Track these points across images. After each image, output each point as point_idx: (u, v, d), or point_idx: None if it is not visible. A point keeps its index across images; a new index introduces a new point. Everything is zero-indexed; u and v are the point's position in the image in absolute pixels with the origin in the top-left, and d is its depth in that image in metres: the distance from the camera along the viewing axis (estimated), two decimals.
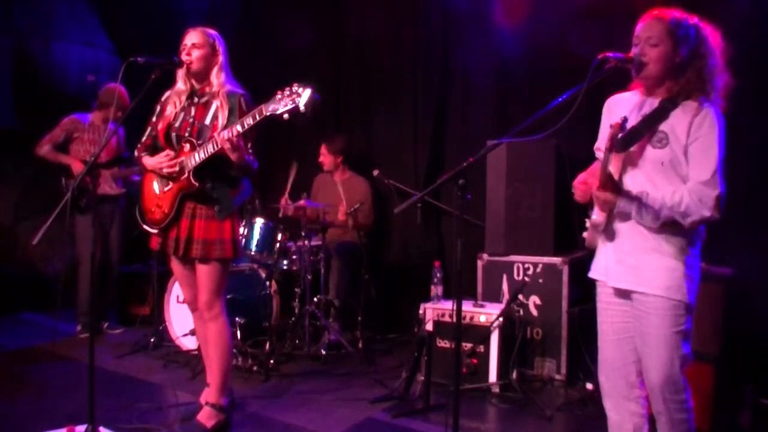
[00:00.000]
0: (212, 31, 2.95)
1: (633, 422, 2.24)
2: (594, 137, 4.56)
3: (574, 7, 4.18)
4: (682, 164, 2.04)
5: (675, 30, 2.06)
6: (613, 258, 2.18)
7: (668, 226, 2.05)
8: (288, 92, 2.55)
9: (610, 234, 2.18)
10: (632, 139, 2.08)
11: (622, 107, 2.19)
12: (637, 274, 2.11)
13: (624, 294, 2.18)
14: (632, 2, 3.99)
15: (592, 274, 2.30)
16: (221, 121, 2.82)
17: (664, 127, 2.06)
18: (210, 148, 2.74)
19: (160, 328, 4.39)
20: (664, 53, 2.06)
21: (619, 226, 2.15)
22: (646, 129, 2.07)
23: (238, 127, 2.66)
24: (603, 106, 2.36)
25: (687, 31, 2.07)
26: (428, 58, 4.98)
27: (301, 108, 2.51)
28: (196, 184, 2.81)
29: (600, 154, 2.25)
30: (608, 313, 2.26)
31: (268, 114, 2.58)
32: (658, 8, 2.13)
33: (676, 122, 2.05)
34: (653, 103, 2.12)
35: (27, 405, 3.34)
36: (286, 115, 2.55)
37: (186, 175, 2.81)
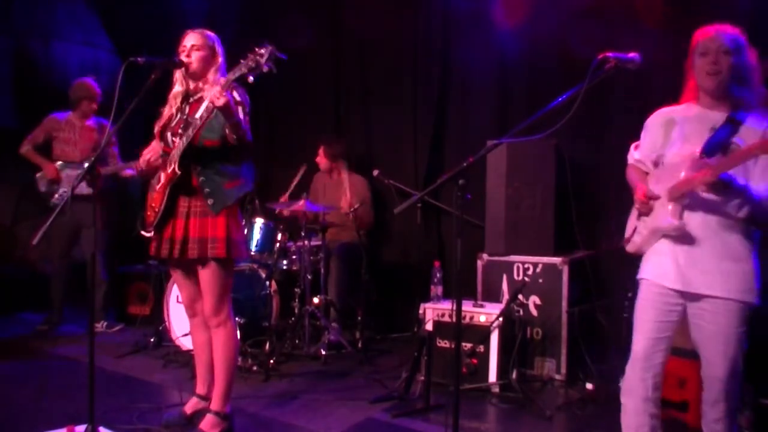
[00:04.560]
0: (211, 33, 2.94)
1: (651, 425, 2.31)
2: (594, 137, 4.54)
3: (574, 7, 4.18)
4: (750, 174, 2.14)
5: (738, 39, 2.18)
6: (683, 262, 2.24)
7: (738, 228, 2.18)
8: (251, 55, 2.58)
9: (679, 238, 2.25)
10: (713, 151, 2.16)
11: (677, 120, 2.30)
12: (712, 279, 2.19)
13: (686, 296, 2.25)
14: (632, 2, 4.00)
15: (648, 276, 2.35)
16: (208, 114, 2.78)
17: (736, 139, 2.14)
18: (190, 132, 2.73)
19: (160, 328, 4.39)
20: (735, 62, 2.16)
21: (691, 230, 2.22)
22: (724, 141, 2.15)
23: (218, 87, 2.62)
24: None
25: (743, 40, 2.20)
26: (428, 57, 4.98)
27: (264, 68, 2.56)
28: (179, 172, 2.76)
29: (642, 166, 2.44)
30: (652, 312, 2.32)
31: (235, 77, 2.61)
32: (717, 24, 2.24)
33: (748, 134, 2.13)
34: (717, 116, 2.21)
35: (27, 405, 3.33)
36: (251, 78, 2.60)
37: (172, 166, 2.79)
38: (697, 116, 2.26)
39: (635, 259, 3.47)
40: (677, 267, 2.25)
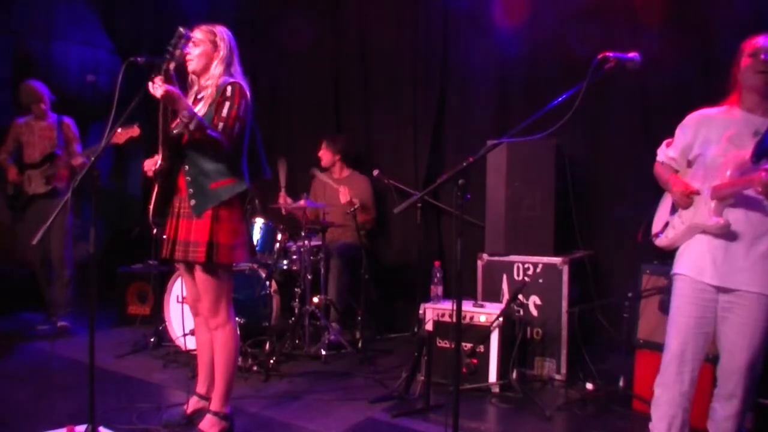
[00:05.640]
0: (216, 27, 2.91)
1: (682, 418, 2.39)
2: (594, 137, 4.53)
3: (573, 7, 4.18)
4: None
5: None
6: (721, 258, 2.30)
7: None
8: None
9: (718, 235, 2.30)
10: (761, 156, 2.23)
11: (718, 122, 2.35)
12: (749, 275, 2.27)
13: (721, 290, 2.32)
14: (632, 2, 4.00)
15: (685, 272, 2.40)
16: (204, 109, 2.78)
17: None
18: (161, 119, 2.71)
19: (160, 328, 4.39)
20: None
21: (731, 227, 2.28)
22: None
23: (159, 77, 2.62)
24: (685, 117, 2.50)
25: None
26: (428, 58, 4.98)
27: (177, 52, 2.64)
28: (162, 164, 2.75)
29: (674, 163, 2.49)
30: (689, 308, 2.37)
31: (166, 67, 2.65)
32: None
33: None
34: (759, 120, 2.28)
35: (27, 405, 3.33)
36: (176, 52, 2.65)
37: (159, 158, 2.78)
38: (740, 119, 2.32)
39: (635, 260, 3.48)
40: (715, 263, 2.31)
